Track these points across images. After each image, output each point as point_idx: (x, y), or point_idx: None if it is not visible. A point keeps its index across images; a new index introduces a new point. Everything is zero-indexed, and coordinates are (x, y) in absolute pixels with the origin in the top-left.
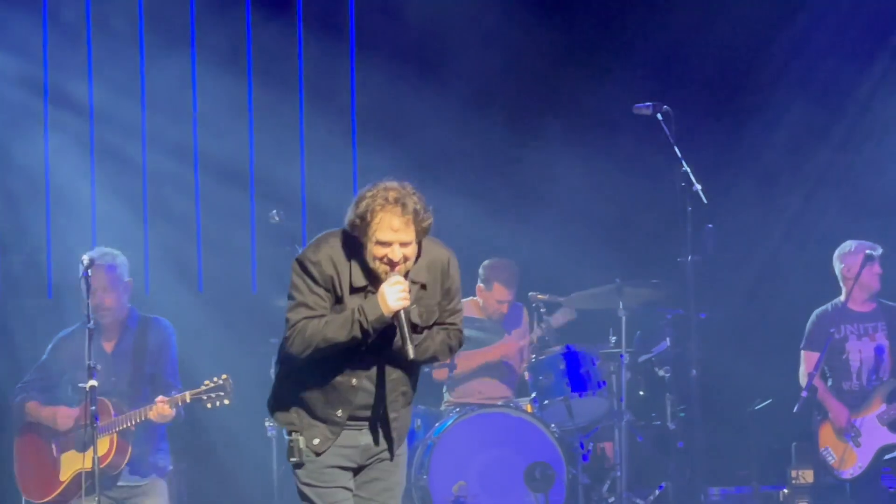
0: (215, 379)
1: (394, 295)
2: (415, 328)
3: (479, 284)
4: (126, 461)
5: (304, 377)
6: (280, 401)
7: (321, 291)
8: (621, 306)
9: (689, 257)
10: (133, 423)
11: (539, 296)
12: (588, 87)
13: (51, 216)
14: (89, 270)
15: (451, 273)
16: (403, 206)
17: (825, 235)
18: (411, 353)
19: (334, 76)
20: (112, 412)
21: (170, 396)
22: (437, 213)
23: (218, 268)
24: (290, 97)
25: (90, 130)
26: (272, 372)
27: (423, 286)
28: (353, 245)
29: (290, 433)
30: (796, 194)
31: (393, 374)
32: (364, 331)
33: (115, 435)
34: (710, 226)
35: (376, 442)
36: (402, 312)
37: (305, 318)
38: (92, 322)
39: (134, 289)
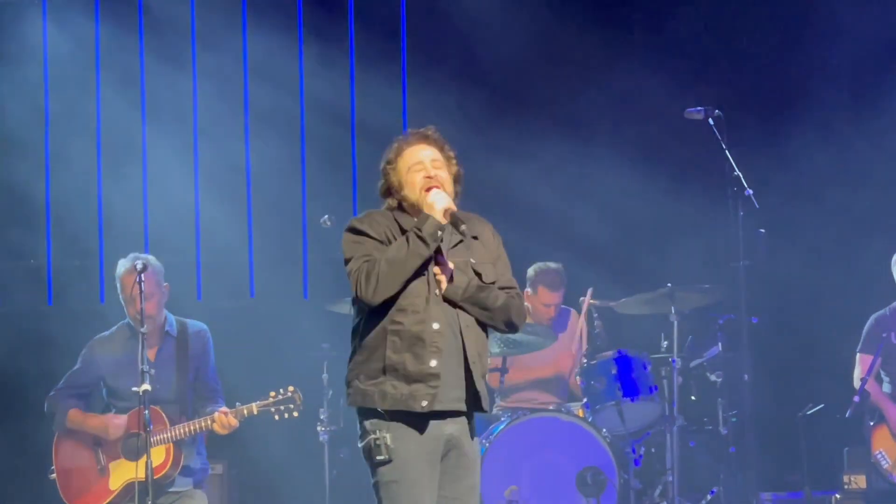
0: (282, 391)
1: (440, 198)
2: (479, 277)
3: (527, 290)
4: (178, 471)
5: (386, 336)
6: (368, 373)
7: (373, 242)
8: (673, 311)
9: (741, 262)
10: (193, 432)
11: (591, 301)
12: (639, 90)
13: (103, 222)
14: (142, 275)
15: (497, 233)
16: (426, 136)
17: (880, 239)
18: (452, 272)
19: (386, 81)
20: (166, 421)
21: (215, 402)
22: (484, 216)
23: (269, 273)
24: (342, 101)
25: (143, 134)
26: (324, 377)
27: (476, 237)
28: (393, 212)
29: (372, 431)
30: (849, 198)
31: (469, 323)
32: (421, 240)
33: (170, 445)
34: (762, 230)
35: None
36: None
37: (364, 261)
38: (145, 327)
39: (185, 295)
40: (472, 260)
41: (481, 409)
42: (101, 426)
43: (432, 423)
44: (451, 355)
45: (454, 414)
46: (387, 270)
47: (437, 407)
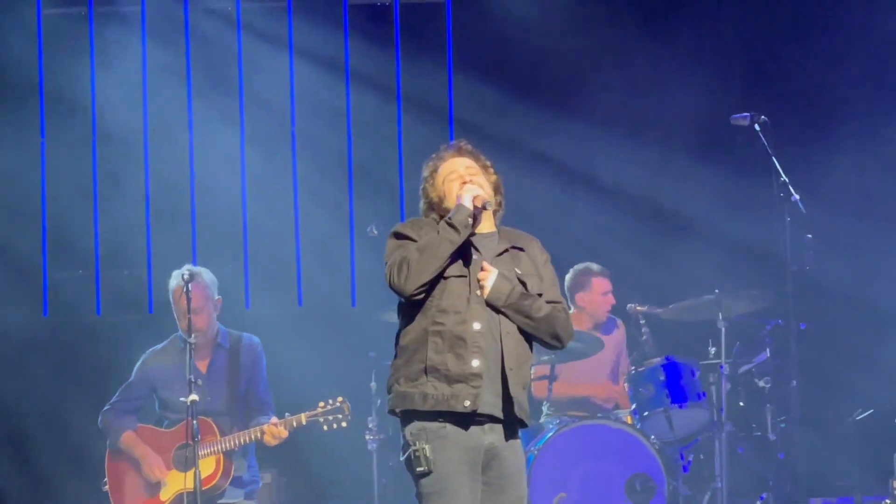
0: (331, 401)
1: (471, 188)
2: (524, 286)
3: (577, 294)
4: (229, 482)
5: (427, 338)
6: (409, 375)
7: (413, 244)
8: (720, 317)
9: (789, 268)
10: (243, 443)
11: (638, 308)
12: (684, 94)
13: (151, 231)
14: (189, 285)
15: (545, 250)
16: (460, 149)
17: None
18: (490, 270)
19: (432, 86)
20: (217, 432)
21: (265, 414)
22: (530, 220)
23: (317, 282)
24: (388, 108)
25: (190, 141)
26: (372, 385)
27: (522, 249)
28: (435, 224)
29: (412, 443)
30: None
31: (510, 330)
32: (452, 227)
33: (221, 455)
34: (809, 236)
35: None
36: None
37: (400, 256)
38: (194, 337)
39: (234, 304)
40: (517, 270)
41: (517, 418)
42: (144, 460)
43: (471, 431)
44: (490, 359)
45: (491, 420)
46: (418, 258)
47: (480, 408)
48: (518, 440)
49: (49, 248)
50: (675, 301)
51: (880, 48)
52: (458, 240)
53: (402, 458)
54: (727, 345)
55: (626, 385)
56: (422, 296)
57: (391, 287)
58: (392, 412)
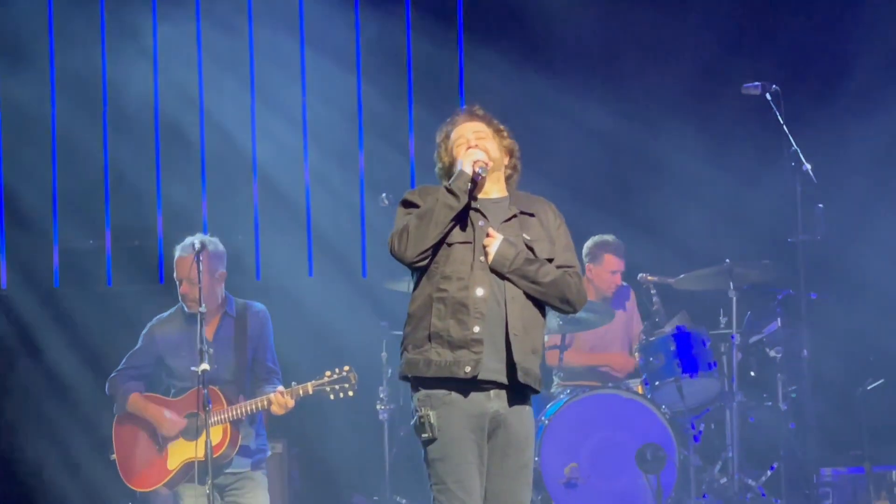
0: (337, 370)
1: (470, 156)
2: (532, 251)
3: (588, 264)
4: (236, 451)
5: (432, 304)
6: (415, 342)
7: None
8: (731, 287)
9: (800, 237)
10: (249, 412)
11: (649, 277)
12: (696, 66)
13: (161, 201)
14: (200, 255)
15: (559, 214)
16: (471, 113)
17: None
18: (493, 235)
19: (442, 61)
20: (224, 401)
21: (272, 383)
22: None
23: (328, 252)
24: (399, 81)
25: (201, 121)
26: (383, 355)
27: (532, 214)
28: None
29: (419, 409)
30: None
31: (515, 295)
32: (450, 192)
33: (228, 425)
34: (821, 205)
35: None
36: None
37: (402, 223)
38: (203, 306)
39: (245, 274)
40: (525, 236)
41: (523, 384)
42: (157, 419)
43: (475, 398)
44: (493, 325)
45: (496, 386)
46: (416, 223)
47: (481, 375)
48: (527, 406)
49: (60, 219)
50: (686, 271)
51: (891, 16)
52: (458, 205)
53: (411, 424)
54: (738, 314)
55: (637, 354)
56: (424, 262)
57: (392, 254)
58: (403, 378)
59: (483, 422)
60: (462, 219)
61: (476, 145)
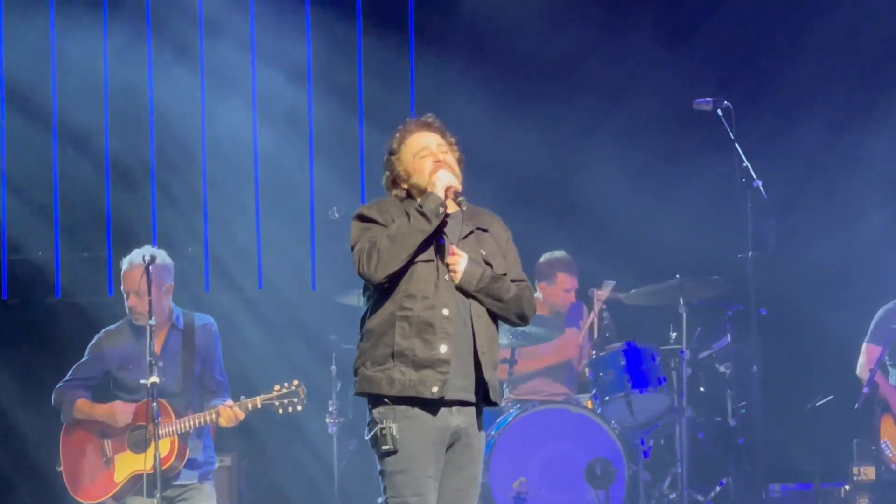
0: (286, 384)
1: (445, 176)
2: (490, 267)
3: (541, 282)
4: (184, 464)
5: (395, 322)
6: (375, 359)
7: (380, 228)
8: (682, 302)
9: (750, 253)
10: (198, 425)
11: (600, 292)
12: (648, 80)
13: (111, 214)
14: (150, 267)
15: (509, 232)
16: (427, 124)
17: (890, 231)
18: (459, 260)
19: (393, 73)
20: (172, 414)
21: (221, 396)
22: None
23: (278, 265)
24: (350, 89)
25: (151, 128)
26: (333, 369)
27: (486, 230)
28: (402, 201)
29: (379, 421)
30: (859, 189)
31: (479, 312)
32: (423, 216)
33: (175, 437)
34: (772, 221)
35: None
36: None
37: (368, 241)
38: (153, 319)
39: (194, 286)
40: (482, 252)
41: (490, 401)
42: (108, 413)
43: (440, 413)
44: (460, 343)
45: (462, 404)
46: (388, 245)
47: (448, 395)
48: (482, 420)
49: (7, 231)
50: (636, 286)
51: (845, 33)
52: (430, 229)
53: (367, 437)
54: (688, 330)
55: (587, 370)
56: (389, 281)
57: (360, 274)
58: (361, 394)
59: (444, 435)
60: (427, 238)
61: (444, 160)
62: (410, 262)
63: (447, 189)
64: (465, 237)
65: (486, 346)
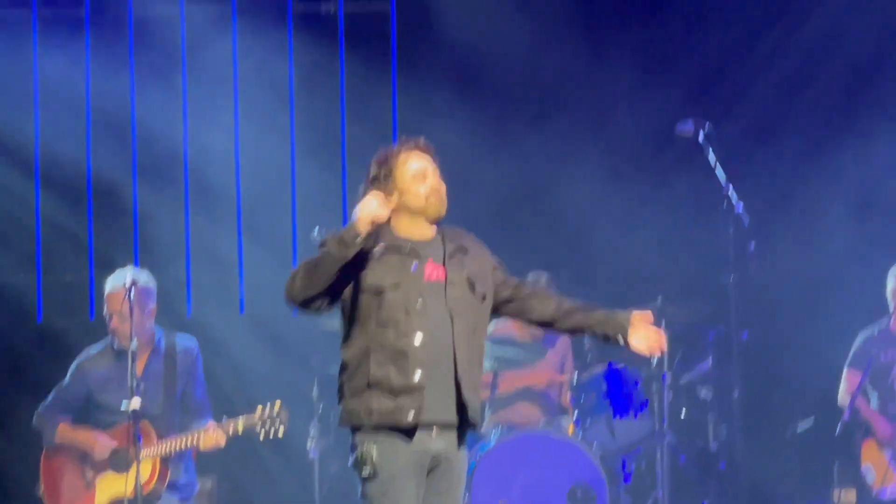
0: (269, 406)
1: (368, 205)
2: (472, 288)
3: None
4: (165, 486)
5: (369, 352)
6: (353, 390)
7: None
8: (663, 326)
9: (732, 277)
10: (180, 448)
11: None
12: (628, 104)
13: (93, 233)
14: (132, 290)
15: (483, 243)
16: (423, 147)
17: (870, 255)
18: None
19: (375, 95)
20: (154, 436)
21: (203, 418)
22: (473, 230)
23: (259, 288)
24: (331, 115)
25: (133, 147)
26: (314, 393)
27: (465, 250)
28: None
29: (361, 444)
30: (840, 213)
31: (461, 331)
32: (341, 244)
33: (157, 460)
34: (753, 245)
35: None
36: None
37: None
38: (135, 342)
39: (176, 309)
40: (466, 273)
41: (470, 423)
42: (89, 443)
43: (420, 437)
44: (437, 367)
45: (443, 427)
46: (304, 272)
47: (424, 418)
48: (465, 445)
49: None
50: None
51: (823, 56)
52: (343, 256)
53: (350, 462)
54: (670, 354)
55: (568, 394)
56: (316, 307)
57: (285, 298)
58: (343, 425)
59: (425, 460)
60: (392, 264)
61: (439, 189)
62: (377, 291)
63: (371, 217)
64: (452, 257)
65: (467, 365)
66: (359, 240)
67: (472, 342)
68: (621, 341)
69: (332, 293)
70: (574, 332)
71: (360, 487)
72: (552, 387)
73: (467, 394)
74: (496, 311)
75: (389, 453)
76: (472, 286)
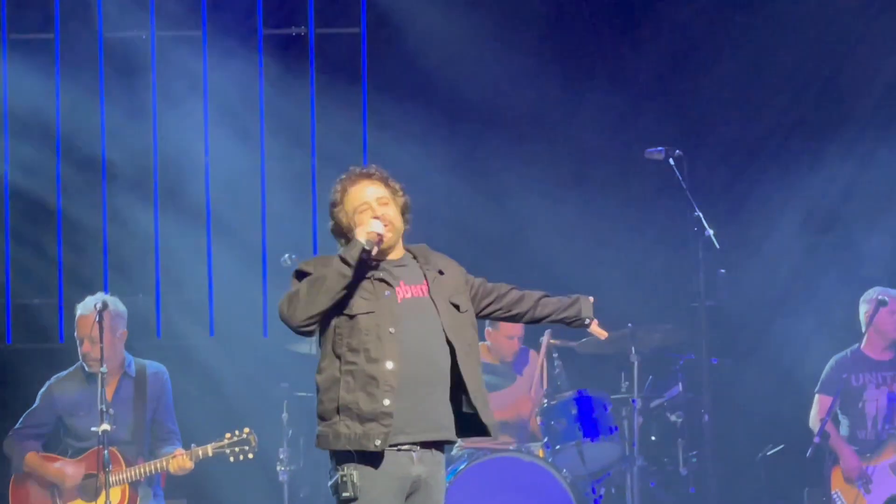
0: (237, 433)
1: (372, 224)
2: (457, 308)
3: (487, 328)
4: None
5: (340, 377)
6: (323, 414)
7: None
8: (633, 351)
9: (702, 302)
10: (149, 473)
11: (551, 341)
12: (599, 129)
13: (62, 256)
14: (102, 314)
15: (457, 263)
16: (368, 174)
17: (840, 281)
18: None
19: (345, 120)
20: (123, 462)
21: (171, 444)
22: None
23: (229, 312)
24: (302, 137)
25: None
26: (284, 416)
27: (441, 272)
28: None
29: (340, 468)
30: (810, 239)
31: (462, 347)
32: (346, 263)
33: (126, 486)
34: (723, 271)
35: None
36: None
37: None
38: (104, 367)
39: (145, 333)
40: (447, 294)
41: (443, 441)
42: (57, 475)
43: (399, 461)
44: (416, 390)
45: (428, 446)
46: (307, 289)
47: (395, 441)
48: (443, 469)
49: None
50: (588, 334)
51: (793, 83)
52: (350, 273)
53: (329, 484)
54: (640, 379)
55: (538, 418)
56: (311, 328)
57: (281, 318)
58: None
59: (405, 484)
60: (366, 289)
61: (384, 218)
62: (349, 315)
63: (368, 234)
64: (434, 282)
65: (477, 387)
66: (360, 255)
67: (471, 358)
68: (587, 322)
69: (334, 314)
70: (545, 318)
71: None
72: (521, 417)
73: (484, 412)
74: (484, 318)
75: (370, 478)
76: (456, 307)
